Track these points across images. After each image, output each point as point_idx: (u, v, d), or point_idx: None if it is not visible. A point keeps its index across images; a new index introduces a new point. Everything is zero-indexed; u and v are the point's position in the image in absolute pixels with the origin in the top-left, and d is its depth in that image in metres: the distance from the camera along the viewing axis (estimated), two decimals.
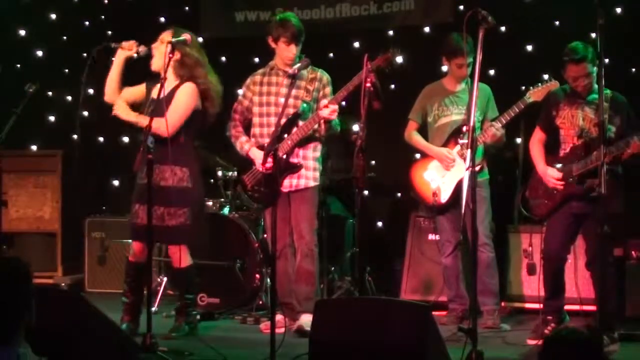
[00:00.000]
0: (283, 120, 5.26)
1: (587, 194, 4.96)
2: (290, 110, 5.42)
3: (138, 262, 5.34)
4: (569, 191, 5.11)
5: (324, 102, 5.38)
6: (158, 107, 5.10)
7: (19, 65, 7.83)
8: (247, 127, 5.71)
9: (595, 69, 4.96)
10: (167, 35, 5.27)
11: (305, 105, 5.49)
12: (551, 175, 5.18)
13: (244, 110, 5.68)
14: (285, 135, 5.42)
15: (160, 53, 5.22)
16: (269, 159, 4.78)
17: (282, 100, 5.40)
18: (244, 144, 5.61)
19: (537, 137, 5.36)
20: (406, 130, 5.99)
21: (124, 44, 5.36)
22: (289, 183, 5.50)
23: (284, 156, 5.43)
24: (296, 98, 5.45)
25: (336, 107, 5.33)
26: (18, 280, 2.70)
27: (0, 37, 7.63)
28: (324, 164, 5.80)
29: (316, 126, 5.46)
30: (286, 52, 5.52)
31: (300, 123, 5.46)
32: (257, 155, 5.51)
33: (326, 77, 5.60)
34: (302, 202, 5.53)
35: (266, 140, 5.50)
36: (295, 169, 5.48)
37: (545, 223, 5.44)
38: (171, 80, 5.27)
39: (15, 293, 2.68)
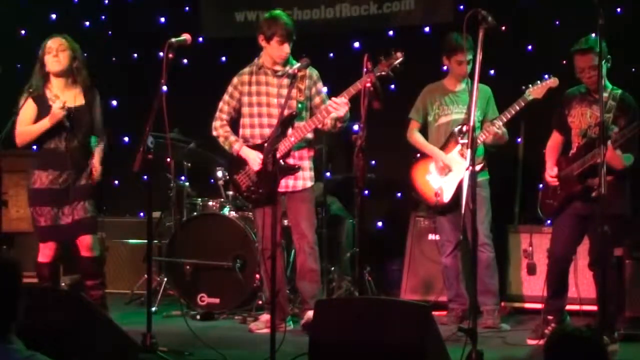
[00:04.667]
0: None
1: (587, 193, 4.96)
2: (286, 111, 5.39)
3: (53, 260, 5.54)
4: (570, 190, 5.11)
5: (335, 99, 5.24)
6: (83, 114, 5.42)
7: (19, 65, 7.82)
8: (232, 127, 5.66)
9: (607, 64, 4.94)
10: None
11: (300, 105, 5.47)
12: (549, 172, 5.19)
13: (231, 110, 5.63)
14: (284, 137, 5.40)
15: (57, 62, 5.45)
16: (269, 159, 4.77)
17: (273, 100, 5.40)
18: (233, 144, 5.56)
19: (552, 140, 5.37)
20: (408, 130, 5.98)
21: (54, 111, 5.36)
22: (285, 184, 5.48)
23: (282, 157, 5.41)
24: (290, 98, 5.43)
25: (346, 100, 5.21)
26: (7, 276, 2.69)
27: (0, 37, 7.62)
28: (326, 164, 5.77)
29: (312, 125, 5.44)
30: (278, 51, 5.46)
31: (297, 124, 5.43)
32: (250, 155, 5.48)
33: (315, 73, 5.56)
34: (302, 202, 5.53)
35: (258, 141, 5.49)
36: (294, 171, 5.45)
37: (547, 223, 5.44)
38: (66, 86, 5.46)
39: (4, 288, 2.67)
